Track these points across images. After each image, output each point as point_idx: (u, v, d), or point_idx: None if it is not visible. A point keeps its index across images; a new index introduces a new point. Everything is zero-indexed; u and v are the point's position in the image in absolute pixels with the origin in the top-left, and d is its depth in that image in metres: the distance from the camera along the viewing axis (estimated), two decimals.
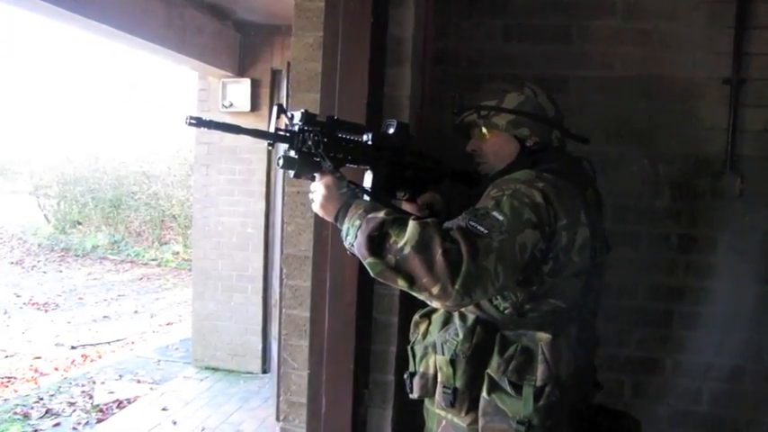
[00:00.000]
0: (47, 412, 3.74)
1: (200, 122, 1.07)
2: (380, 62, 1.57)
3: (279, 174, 3.84)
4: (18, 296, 7.20)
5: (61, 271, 8.82)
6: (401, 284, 1.07)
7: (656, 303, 1.88)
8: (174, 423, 3.51)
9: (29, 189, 11.39)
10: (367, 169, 1.28)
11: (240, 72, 4.18)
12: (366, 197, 1.22)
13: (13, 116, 15.69)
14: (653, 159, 1.85)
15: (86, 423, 3.60)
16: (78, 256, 9.59)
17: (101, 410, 3.79)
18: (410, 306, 1.49)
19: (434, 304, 1.09)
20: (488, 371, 1.21)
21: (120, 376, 4.42)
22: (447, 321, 1.31)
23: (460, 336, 1.24)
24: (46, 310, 6.70)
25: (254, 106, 4.16)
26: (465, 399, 1.23)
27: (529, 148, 1.35)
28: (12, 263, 9.21)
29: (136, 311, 6.79)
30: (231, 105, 4.16)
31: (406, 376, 1.38)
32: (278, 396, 3.32)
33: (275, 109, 1.20)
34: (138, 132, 11.68)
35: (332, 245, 1.52)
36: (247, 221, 4.28)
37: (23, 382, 4.45)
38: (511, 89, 1.35)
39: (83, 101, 15.32)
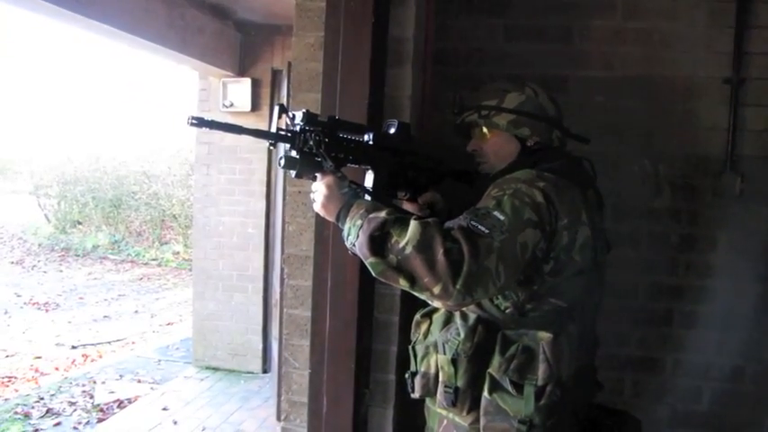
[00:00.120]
0: (47, 412, 3.74)
1: (201, 123, 1.07)
2: (381, 62, 1.57)
3: (279, 173, 3.84)
4: (18, 296, 7.20)
5: (61, 271, 8.82)
6: (403, 284, 1.07)
7: (657, 303, 1.88)
8: (175, 423, 3.51)
9: (29, 189, 11.40)
10: (368, 169, 1.28)
11: (241, 72, 4.18)
12: (367, 197, 1.22)
13: (13, 116, 15.69)
14: (653, 159, 1.85)
15: (87, 423, 3.60)
16: (79, 255, 9.60)
17: (101, 410, 3.79)
18: (411, 306, 1.49)
19: (436, 304, 1.09)
20: (490, 370, 1.21)
21: (121, 376, 4.42)
22: (448, 321, 1.31)
23: (462, 335, 1.24)
24: (46, 310, 6.70)
25: (255, 106, 4.16)
26: (466, 398, 1.23)
27: (529, 148, 1.36)
28: (12, 262, 9.21)
29: (136, 311, 6.79)
30: (232, 105, 4.16)
31: (407, 376, 1.38)
32: (278, 396, 3.33)
33: (277, 109, 1.21)
34: (138, 132, 11.70)
35: (333, 244, 1.52)
36: (248, 221, 4.29)
37: (24, 381, 4.45)
38: (511, 89, 1.36)
39: (83, 101, 15.33)
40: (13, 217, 11.65)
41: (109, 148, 10.69)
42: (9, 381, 4.45)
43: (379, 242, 1.08)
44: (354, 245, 1.12)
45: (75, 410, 3.79)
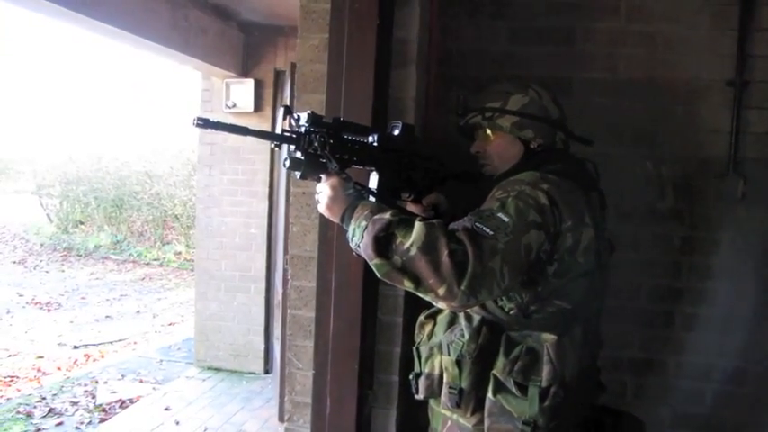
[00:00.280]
0: (50, 411, 3.75)
1: (207, 124, 1.08)
2: (386, 64, 1.57)
3: (282, 174, 3.85)
4: (21, 295, 7.22)
5: (63, 270, 8.84)
6: (407, 285, 1.08)
7: (659, 304, 1.89)
8: (177, 423, 3.52)
9: (32, 188, 11.43)
10: (372, 170, 1.28)
11: (243, 73, 4.19)
12: (371, 198, 1.23)
13: (16, 116, 15.72)
14: (656, 161, 1.86)
15: (89, 423, 3.61)
16: (81, 255, 9.61)
17: (103, 410, 3.80)
18: (414, 307, 1.50)
19: (440, 305, 1.10)
20: (494, 371, 1.21)
21: (123, 376, 4.43)
22: (452, 322, 1.31)
23: (466, 336, 1.25)
24: (48, 310, 6.72)
25: (258, 107, 4.17)
26: (471, 399, 1.24)
27: (533, 150, 1.36)
28: (14, 262, 9.23)
29: (138, 311, 6.80)
30: (234, 106, 4.17)
31: (411, 377, 1.39)
32: (281, 396, 3.33)
33: (282, 110, 1.21)
34: (140, 132, 11.70)
35: (337, 246, 1.53)
36: (250, 222, 4.29)
37: (26, 381, 4.46)
38: (515, 91, 1.36)
39: (86, 101, 15.35)
40: (15, 217, 11.67)
41: (111, 148, 10.71)
42: (11, 380, 4.46)
43: (383, 243, 1.08)
44: (359, 246, 1.13)
45: (77, 410, 3.79)
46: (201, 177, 4.42)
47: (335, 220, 1.21)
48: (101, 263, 9.30)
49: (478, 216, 1.12)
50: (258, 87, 4.17)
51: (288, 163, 1.16)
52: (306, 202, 1.65)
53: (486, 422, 1.22)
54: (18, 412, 3.72)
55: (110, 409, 3.81)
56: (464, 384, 1.24)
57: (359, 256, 1.16)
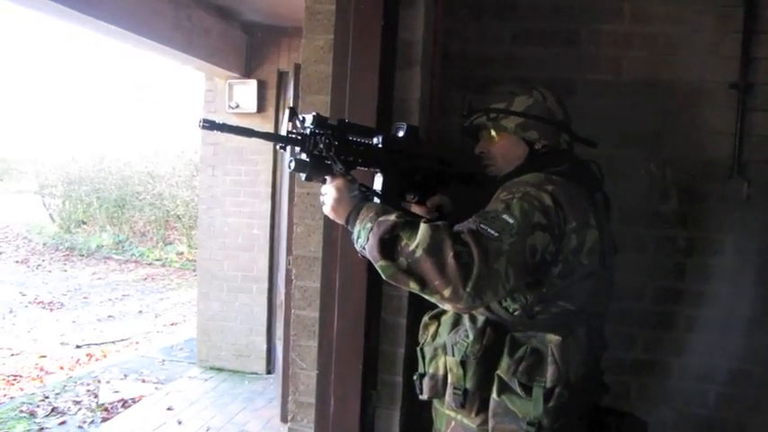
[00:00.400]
0: (52, 411, 3.75)
1: (213, 126, 1.08)
2: (390, 65, 1.58)
3: (285, 175, 3.85)
4: (23, 295, 7.23)
5: (66, 270, 8.85)
6: (413, 287, 1.08)
7: (663, 306, 1.89)
8: (180, 423, 3.52)
9: (34, 188, 11.46)
10: (377, 172, 1.29)
11: (247, 73, 4.20)
12: (376, 200, 1.23)
13: (18, 116, 15.76)
14: (660, 163, 1.86)
15: (92, 422, 3.61)
16: (83, 255, 9.62)
17: (106, 409, 3.80)
18: (418, 308, 1.50)
19: (446, 307, 1.10)
20: (498, 372, 1.22)
21: (125, 376, 4.43)
22: (457, 323, 1.32)
23: (471, 337, 1.25)
24: (51, 309, 6.73)
25: (261, 107, 4.17)
26: (475, 400, 1.24)
27: (537, 151, 1.37)
28: (17, 262, 9.24)
29: (140, 311, 6.81)
30: (237, 106, 4.17)
31: (415, 377, 1.39)
32: (283, 396, 3.33)
33: (287, 112, 1.22)
34: (143, 133, 11.73)
35: (341, 246, 1.53)
36: (253, 222, 4.30)
37: (29, 380, 4.47)
38: (520, 92, 1.36)
39: (89, 101, 15.38)
40: (17, 216, 11.70)
41: (113, 149, 10.74)
42: (14, 379, 4.47)
43: (389, 245, 1.08)
44: (364, 248, 1.13)
45: (79, 409, 3.80)
46: (204, 178, 4.42)
47: (340, 221, 1.21)
48: (103, 263, 9.31)
49: (483, 218, 1.13)
50: (261, 88, 4.17)
51: (293, 165, 1.17)
52: (310, 202, 1.65)
53: (491, 423, 1.22)
54: (21, 411, 3.72)
55: (112, 408, 3.82)
56: (468, 385, 1.24)
57: (364, 257, 1.16)
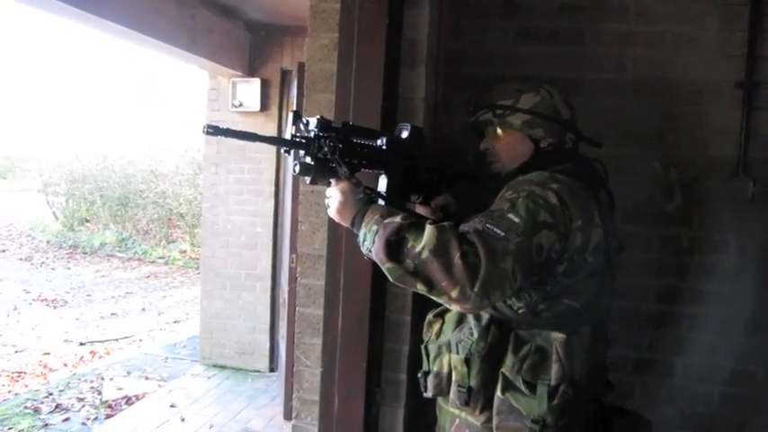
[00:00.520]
0: (56, 407, 3.77)
1: (217, 131, 1.07)
2: (395, 63, 1.58)
3: (288, 173, 3.86)
4: (27, 292, 7.26)
5: (69, 268, 8.88)
6: (420, 289, 1.08)
7: (667, 305, 1.88)
8: (183, 420, 3.54)
9: (38, 186, 11.49)
10: (381, 173, 1.29)
11: (250, 72, 4.21)
12: (381, 201, 1.23)
13: (22, 114, 15.80)
14: (665, 162, 1.85)
15: (95, 418, 3.63)
16: (86, 253, 9.66)
17: (109, 406, 3.82)
18: (423, 305, 1.50)
19: (453, 307, 1.10)
20: (503, 370, 1.22)
21: (129, 373, 4.45)
22: (461, 321, 1.32)
23: (475, 335, 1.25)
24: (54, 307, 6.75)
25: (264, 106, 4.17)
26: (480, 397, 1.24)
27: (542, 149, 1.36)
28: (21, 259, 9.28)
29: (143, 309, 6.83)
30: (241, 105, 4.18)
31: (419, 375, 1.39)
32: (286, 394, 3.34)
33: (291, 115, 1.22)
34: (146, 131, 11.75)
35: (345, 244, 1.53)
36: (256, 220, 4.31)
37: (33, 377, 4.49)
38: (527, 89, 1.36)
39: (92, 99, 15.41)
40: (21, 214, 11.75)
41: (117, 147, 10.76)
42: (19, 376, 4.49)
43: (395, 247, 1.08)
44: (371, 250, 1.13)
45: (83, 406, 3.82)
46: (208, 176, 4.43)
47: (346, 224, 1.21)
48: (106, 260, 9.34)
49: (489, 217, 1.12)
50: (265, 87, 4.18)
51: (297, 168, 1.17)
52: (314, 200, 1.66)
53: (495, 420, 1.22)
54: (26, 407, 3.75)
55: (116, 405, 3.84)
56: (473, 383, 1.24)
57: (370, 260, 1.16)
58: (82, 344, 5.39)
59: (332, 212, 1.22)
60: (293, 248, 3.20)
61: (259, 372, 4.32)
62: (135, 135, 11.55)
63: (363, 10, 1.53)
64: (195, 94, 8.79)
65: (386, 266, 1.09)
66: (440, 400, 1.39)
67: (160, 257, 9.37)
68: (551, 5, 1.89)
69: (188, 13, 3.54)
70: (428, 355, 1.37)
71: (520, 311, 1.23)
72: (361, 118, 1.48)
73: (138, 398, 3.92)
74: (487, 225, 1.10)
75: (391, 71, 1.56)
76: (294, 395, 1.71)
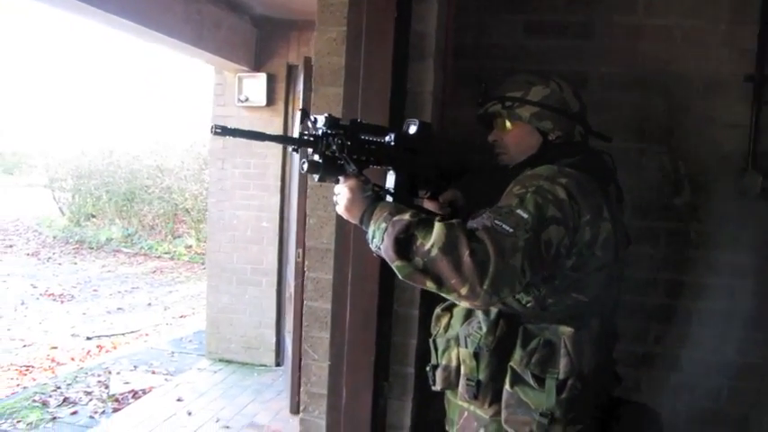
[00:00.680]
0: (64, 401, 3.80)
1: (225, 131, 1.07)
2: (403, 57, 1.57)
3: (294, 168, 3.86)
4: (34, 287, 7.30)
5: (76, 263, 8.93)
6: (430, 286, 1.08)
7: (675, 300, 1.88)
8: (189, 413, 3.56)
9: (44, 182, 11.55)
10: (389, 169, 1.29)
11: (256, 67, 4.20)
12: (389, 198, 1.23)
13: (28, 110, 15.86)
14: (673, 156, 1.84)
15: (103, 412, 3.66)
16: (92, 248, 9.70)
17: (116, 400, 3.85)
18: (431, 299, 1.50)
19: (463, 304, 1.10)
20: (511, 363, 1.22)
21: (135, 367, 4.47)
22: (469, 315, 1.32)
23: (484, 329, 1.25)
24: (62, 301, 6.79)
25: (270, 101, 4.17)
26: (488, 391, 1.25)
27: (551, 142, 1.36)
28: (28, 254, 9.34)
29: (149, 304, 6.86)
30: (247, 100, 4.18)
31: (428, 368, 1.40)
32: (292, 388, 3.36)
33: (299, 113, 1.22)
34: (152, 126, 11.78)
35: (354, 237, 1.54)
36: (262, 215, 4.31)
37: (41, 371, 4.53)
38: (537, 82, 1.36)
39: (98, 95, 15.45)
40: (28, 210, 11.82)
41: (123, 143, 10.80)
42: (27, 370, 4.53)
43: (404, 245, 1.08)
44: (380, 248, 1.13)
45: (90, 400, 3.85)
46: (214, 171, 4.44)
47: (354, 221, 1.21)
48: (112, 256, 9.38)
49: (497, 213, 1.12)
50: (271, 81, 4.17)
51: (306, 166, 1.17)
52: (322, 194, 1.66)
53: (504, 414, 1.23)
54: (34, 401, 3.77)
55: (123, 399, 3.86)
56: (482, 376, 1.25)
57: (379, 257, 1.16)
58: (89, 338, 5.43)
59: (340, 210, 1.22)
60: (299, 243, 3.21)
61: (265, 366, 4.34)
62: (141, 130, 11.57)
63: (372, 3, 1.52)
64: (201, 89, 8.79)
65: (395, 264, 1.09)
66: (448, 394, 1.39)
67: (166, 253, 9.41)
68: None
69: (194, 7, 3.54)
70: (436, 349, 1.37)
71: (528, 305, 1.23)
72: (369, 111, 1.48)
73: (144, 392, 3.95)
74: (496, 221, 1.09)
75: (399, 65, 1.55)
76: (302, 389, 1.72)
